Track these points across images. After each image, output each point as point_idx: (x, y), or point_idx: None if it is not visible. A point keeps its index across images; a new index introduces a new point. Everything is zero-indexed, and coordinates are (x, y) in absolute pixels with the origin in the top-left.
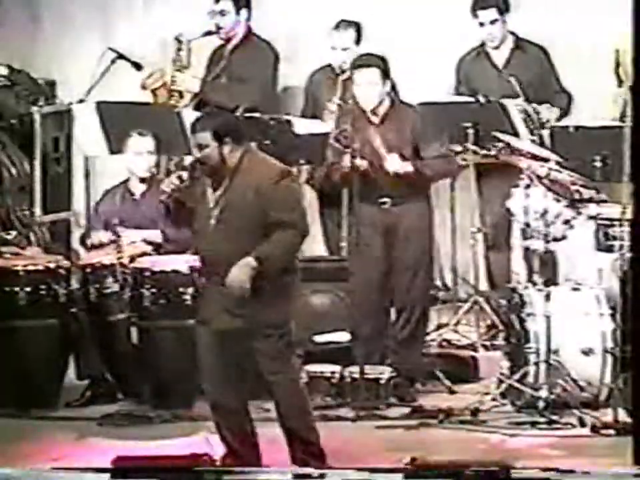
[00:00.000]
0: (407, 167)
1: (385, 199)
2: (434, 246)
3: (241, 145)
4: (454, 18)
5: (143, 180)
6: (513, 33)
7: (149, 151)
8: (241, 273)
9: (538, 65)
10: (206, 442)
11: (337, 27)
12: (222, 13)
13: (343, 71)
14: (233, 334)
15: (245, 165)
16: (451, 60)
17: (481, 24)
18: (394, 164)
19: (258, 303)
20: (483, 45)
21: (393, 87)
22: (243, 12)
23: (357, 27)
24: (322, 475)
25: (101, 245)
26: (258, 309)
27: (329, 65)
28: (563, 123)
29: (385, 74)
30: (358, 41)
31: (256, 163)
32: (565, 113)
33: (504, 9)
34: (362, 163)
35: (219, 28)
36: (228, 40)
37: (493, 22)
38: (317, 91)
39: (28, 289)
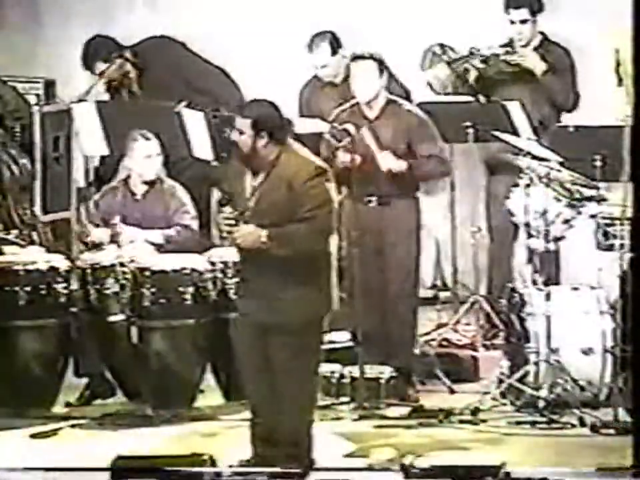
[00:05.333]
0: (401, 165)
1: (372, 198)
2: (421, 246)
3: (279, 143)
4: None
5: (146, 182)
6: (542, 34)
7: (157, 153)
8: (250, 232)
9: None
10: None
11: (311, 42)
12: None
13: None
14: (270, 327)
15: (283, 160)
16: None
17: (512, 22)
18: (387, 162)
19: (294, 296)
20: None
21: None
22: None
23: (332, 38)
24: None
25: (100, 244)
26: (293, 303)
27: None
28: (563, 122)
29: (381, 68)
30: (334, 53)
31: (293, 159)
32: (559, 114)
33: (536, 10)
34: (357, 158)
35: None
36: None
37: (523, 22)
38: (309, 100)
39: (28, 289)
